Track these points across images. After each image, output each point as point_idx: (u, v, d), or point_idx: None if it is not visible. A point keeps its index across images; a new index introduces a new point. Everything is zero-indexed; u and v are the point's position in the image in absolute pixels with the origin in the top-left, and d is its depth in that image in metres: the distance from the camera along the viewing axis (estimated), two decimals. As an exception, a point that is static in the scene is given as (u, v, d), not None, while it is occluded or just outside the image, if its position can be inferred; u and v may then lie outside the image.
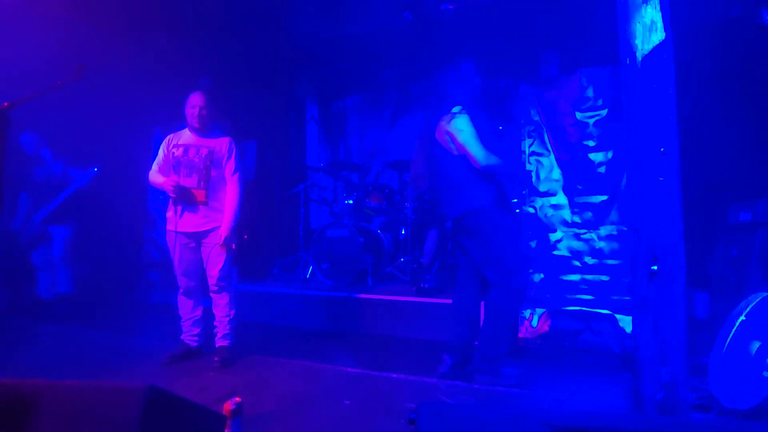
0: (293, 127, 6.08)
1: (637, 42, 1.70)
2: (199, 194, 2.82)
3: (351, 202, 4.47)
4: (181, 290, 2.93)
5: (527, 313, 3.31)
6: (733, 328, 1.91)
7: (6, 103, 1.77)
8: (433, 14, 4.28)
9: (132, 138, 4.87)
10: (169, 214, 2.86)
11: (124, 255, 4.83)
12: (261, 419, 2.08)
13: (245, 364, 2.86)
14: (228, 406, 1.80)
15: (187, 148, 2.86)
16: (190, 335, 2.95)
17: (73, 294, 4.25)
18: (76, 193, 4.11)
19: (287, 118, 5.93)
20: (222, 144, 2.89)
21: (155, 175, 2.89)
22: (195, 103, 2.84)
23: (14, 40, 3.68)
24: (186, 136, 2.91)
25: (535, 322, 3.26)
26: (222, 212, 2.85)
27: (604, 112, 3.15)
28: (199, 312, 2.96)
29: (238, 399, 1.84)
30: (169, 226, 2.86)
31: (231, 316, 2.90)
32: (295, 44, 4.78)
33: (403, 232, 4.48)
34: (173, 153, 2.85)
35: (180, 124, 4.81)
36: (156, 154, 2.95)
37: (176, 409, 1.40)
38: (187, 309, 2.94)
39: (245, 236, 5.35)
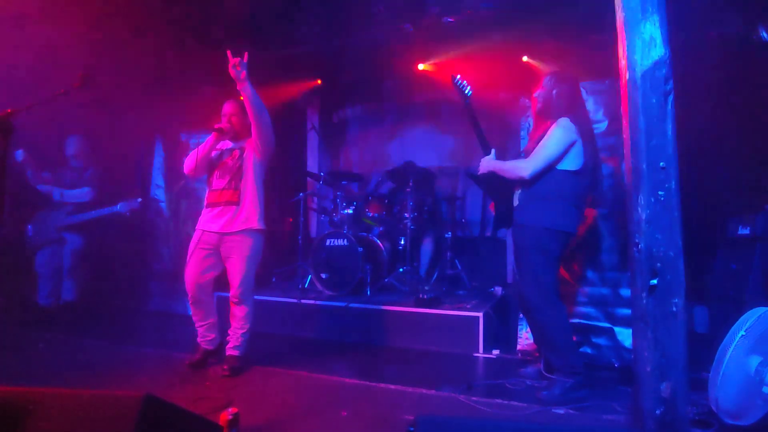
0: (294, 137, 6.10)
1: (636, 57, 1.72)
2: (230, 194, 2.83)
3: (350, 211, 4.47)
4: (189, 299, 2.89)
5: (525, 326, 3.30)
6: (732, 343, 1.90)
7: (9, 110, 1.78)
8: (434, 26, 4.32)
9: (134, 146, 4.89)
10: (202, 213, 2.91)
11: (123, 263, 4.82)
12: (258, 430, 2.06)
13: (242, 373, 2.84)
14: (225, 417, 1.80)
15: (222, 152, 2.95)
16: (206, 340, 2.95)
17: (74, 302, 4.23)
18: (109, 216, 4.14)
19: (288, 127, 5.95)
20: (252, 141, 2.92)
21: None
22: (225, 111, 2.94)
23: (18, 49, 3.71)
24: (225, 141, 2.98)
25: (533, 335, 3.24)
26: (254, 213, 2.84)
27: (603, 125, 3.17)
28: (212, 319, 2.96)
29: (234, 409, 1.83)
30: (198, 225, 2.89)
31: (245, 330, 2.91)
32: (296, 54, 4.82)
33: (402, 242, 4.48)
34: (213, 155, 2.93)
35: (181, 131, 4.85)
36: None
37: (172, 419, 1.39)
38: (199, 316, 2.93)
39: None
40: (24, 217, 4.24)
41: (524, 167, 2.53)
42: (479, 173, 2.70)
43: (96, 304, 4.37)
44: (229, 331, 2.93)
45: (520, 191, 2.65)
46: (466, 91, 2.74)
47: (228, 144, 2.97)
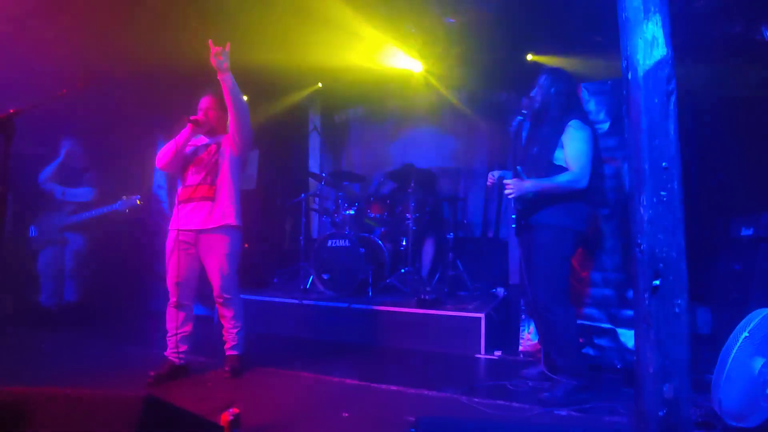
0: (296, 138, 6.11)
1: (638, 57, 1.71)
2: (205, 189, 2.74)
3: (352, 212, 4.47)
4: (171, 301, 2.76)
5: (527, 327, 3.29)
6: (736, 344, 1.89)
7: (12, 110, 1.79)
8: (436, 28, 4.33)
9: (136, 146, 4.89)
10: (175, 211, 2.78)
11: (125, 264, 4.83)
12: (259, 431, 2.06)
13: (244, 374, 2.84)
14: (226, 417, 1.80)
15: (197, 148, 2.86)
16: (176, 352, 2.76)
17: (76, 302, 4.24)
18: (109, 214, 4.12)
19: (290, 128, 5.96)
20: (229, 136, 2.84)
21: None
22: (201, 105, 2.87)
23: (20, 48, 3.72)
24: (200, 137, 2.90)
25: (535, 336, 3.24)
26: (230, 210, 2.76)
27: (605, 126, 3.17)
28: (188, 328, 2.80)
29: (236, 410, 1.83)
30: (171, 225, 2.77)
31: (239, 328, 2.85)
32: (298, 55, 4.82)
33: (404, 243, 4.47)
34: (186, 151, 2.84)
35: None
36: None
37: (173, 419, 1.39)
38: (175, 323, 2.76)
39: (246, 245, 5.35)
40: (27, 217, 4.26)
41: (578, 179, 2.41)
42: (511, 197, 2.53)
43: (98, 305, 4.38)
44: (223, 332, 2.87)
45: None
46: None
47: (204, 140, 2.88)
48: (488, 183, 2.85)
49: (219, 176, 2.77)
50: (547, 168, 2.50)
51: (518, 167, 2.55)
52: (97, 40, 3.86)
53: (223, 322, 2.86)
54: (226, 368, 2.78)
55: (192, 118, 2.75)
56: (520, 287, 3.31)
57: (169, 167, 2.81)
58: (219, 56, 2.54)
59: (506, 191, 2.51)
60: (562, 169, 2.48)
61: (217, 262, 2.72)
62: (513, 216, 2.66)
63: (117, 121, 4.59)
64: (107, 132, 4.56)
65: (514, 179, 2.52)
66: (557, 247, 2.50)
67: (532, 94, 2.64)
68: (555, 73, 2.63)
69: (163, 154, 2.77)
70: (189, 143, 2.82)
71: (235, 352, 2.85)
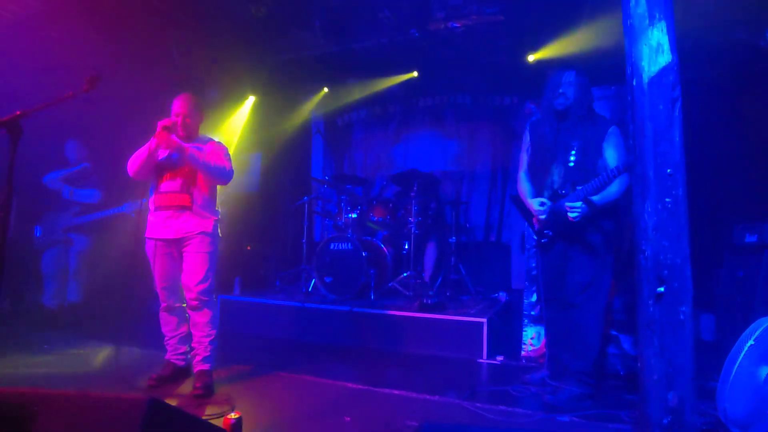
0: (299, 140, 6.12)
1: (643, 64, 1.71)
2: (182, 198, 2.61)
3: (355, 215, 4.47)
4: (162, 306, 2.71)
5: (530, 332, 3.28)
6: (741, 352, 1.88)
7: (18, 112, 1.80)
8: (440, 31, 4.34)
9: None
10: (150, 218, 2.67)
11: (128, 265, 4.83)
12: (260, 434, 2.05)
13: (245, 377, 2.84)
14: (228, 420, 1.79)
15: (171, 153, 2.66)
16: (176, 354, 2.74)
17: (79, 303, 4.24)
18: (115, 217, 4.10)
19: (293, 131, 5.98)
20: (208, 145, 2.72)
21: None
22: (176, 110, 2.67)
23: (27, 51, 3.74)
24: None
25: (537, 342, 3.23)
26: (208, 218, 2.66)
27: (609, 131, 3.17)
28: (184, 329, 2.75)
29: (237, 413, 1.83)
30: (148, 233, 2.66)
31: (212, 337, 2.65)
32: (302, 59, 4.85)
33: (406, 247, 4.47)
34: (159, 157, 2.67)
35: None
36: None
37: (176, 423, 1.38)
38: (170, 327, 2.73)
39: (248, 247, 5.36)
40: (32, 217, 4.27)
41: (626, 183, 2.35)
42: (573, 219, 2.36)
43: (101, 306, 4.38)
44: (193, 344, 2.67)
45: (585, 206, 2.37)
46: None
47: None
48: (537, 218, 2.58)
49: (197, 185, 2.65)
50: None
51: (578, 187, 2.39)
52: (104, 41, 3.88)
53: (194, 331, 2.66)
54: (198, 385, 2.51)
55: (165, 124, 2.53)
56: (537, 293, 3.23)
57: (140, 175, 2.66)
58: (161, 135, 2.45)
59: (571, 214, 2.34)
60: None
61: (197, 259, 2.61)
62: (546, 231, 2.54)
63: (123, 123, 4.61)
64: (113, 134, 4.57)
65: (581, 202, 2.34)
66: (608, 250, 2.48)
67: (561, 90, 2.48)
68: (581, 70, 2.53)
69: (134, 161, 2.63)
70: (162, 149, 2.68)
71: (206, 366, 2.62)
